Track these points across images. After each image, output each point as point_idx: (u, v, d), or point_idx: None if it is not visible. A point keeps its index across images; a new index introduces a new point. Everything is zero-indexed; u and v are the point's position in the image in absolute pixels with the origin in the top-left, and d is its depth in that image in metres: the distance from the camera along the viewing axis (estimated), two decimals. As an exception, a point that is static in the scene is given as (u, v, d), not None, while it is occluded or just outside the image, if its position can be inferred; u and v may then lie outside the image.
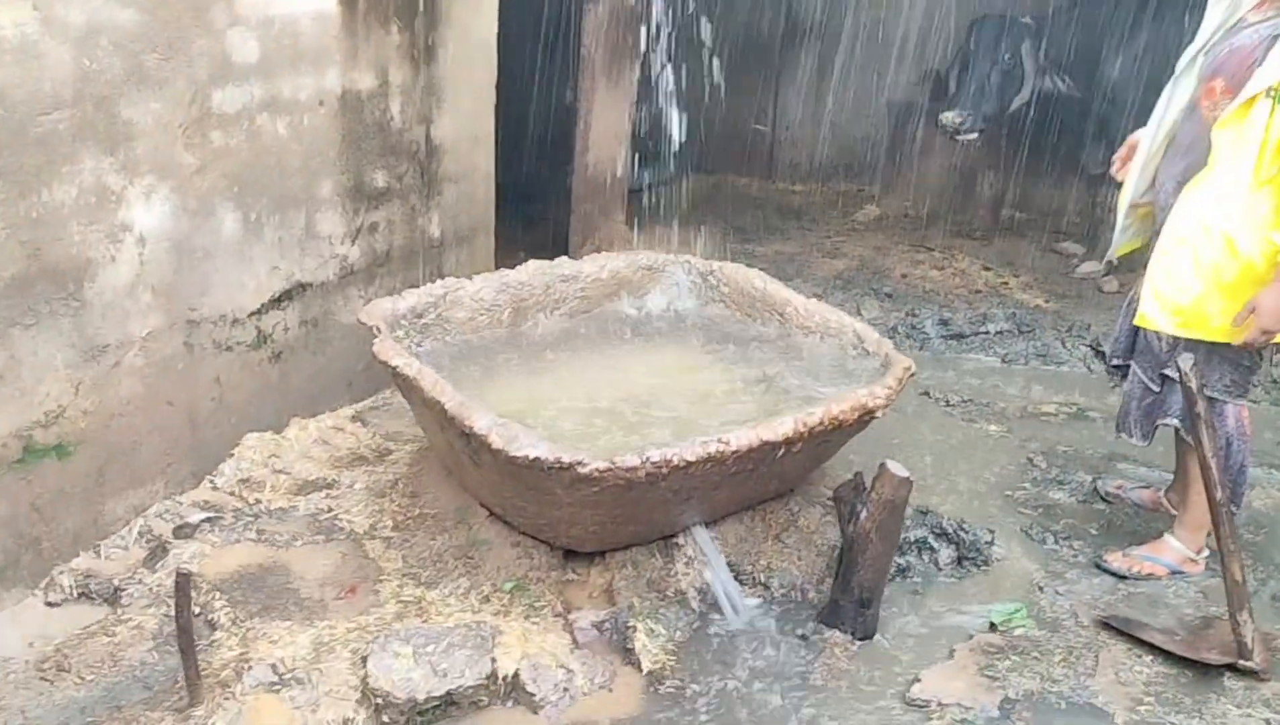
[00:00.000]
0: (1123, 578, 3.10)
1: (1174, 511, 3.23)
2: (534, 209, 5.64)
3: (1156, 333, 2.97)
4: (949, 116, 5.65)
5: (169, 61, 2.84)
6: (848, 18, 7.13)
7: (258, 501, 3.20)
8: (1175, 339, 2.92)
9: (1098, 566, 3.16)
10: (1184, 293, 2.84)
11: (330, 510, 3.18)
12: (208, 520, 3.07)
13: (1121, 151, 3.23)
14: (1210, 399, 2.81)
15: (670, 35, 5.19)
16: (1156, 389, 3.05)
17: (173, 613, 2.72)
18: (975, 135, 5.75)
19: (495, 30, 3.97)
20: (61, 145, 2.64)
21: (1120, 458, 3.80)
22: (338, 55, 3.35)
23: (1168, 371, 2.97)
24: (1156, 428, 3.11)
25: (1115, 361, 3.29)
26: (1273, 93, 2.63)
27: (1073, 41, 5.64)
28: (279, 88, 3.18)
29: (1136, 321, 2.99)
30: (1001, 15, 5.90)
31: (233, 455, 3.31)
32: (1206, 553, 3.11)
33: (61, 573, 2.86)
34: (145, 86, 2.80)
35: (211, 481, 3.25)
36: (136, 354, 2.95)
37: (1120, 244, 3.29)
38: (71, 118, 2.64)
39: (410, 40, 3.59)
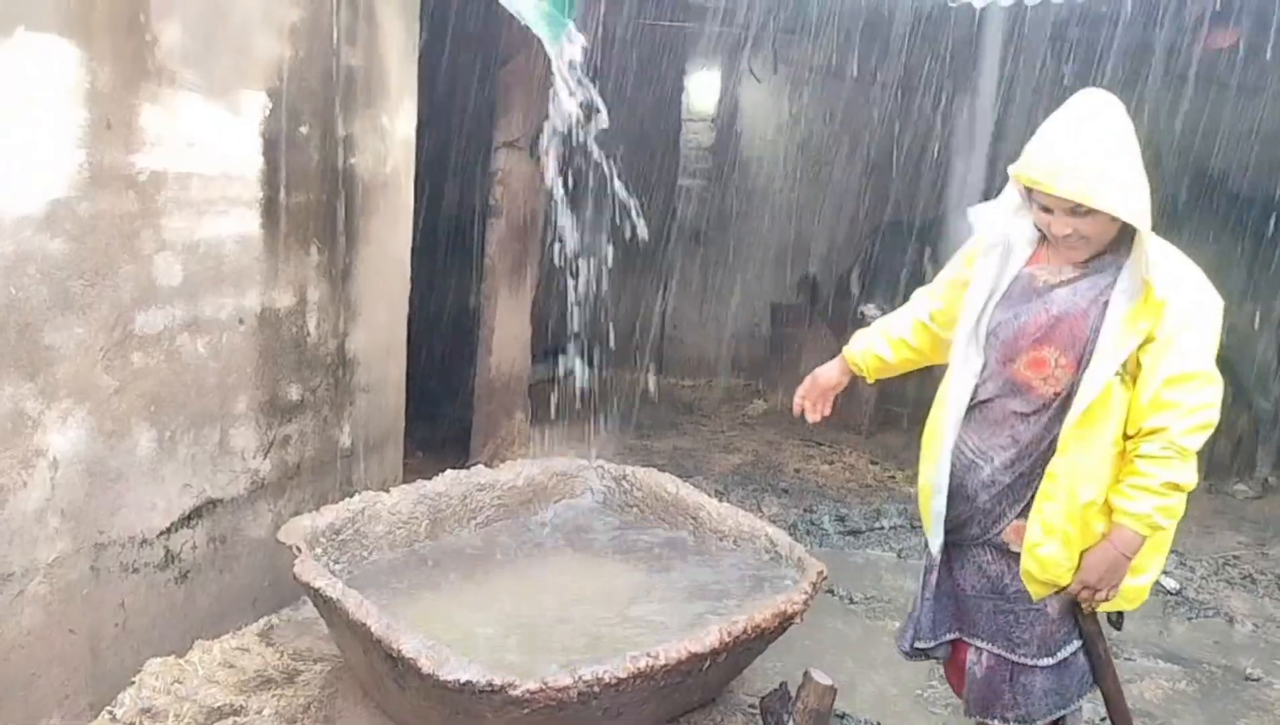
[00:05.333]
0: None
1: None
2: (435, 408, 5.70)
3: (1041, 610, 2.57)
4: (871, 309, 5.98)
5: (94, 287, 2.87)
6: (732, 226, 7.61)
7: (160, 733, 3.05)
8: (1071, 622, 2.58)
9: None
10: (1061, 573, 2.49)
11: (239, 740, 3.05)
12: (107, 757, 2.91)
13: (806, 388, 2.92)
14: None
15: (566, 243, 5.46)
16: (1050, 662, 2.59)
17: None
18: None
19: (409, 247, 4.12)
20: (-19, 372, 2.61)
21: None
22: (259, 276, 3.42)
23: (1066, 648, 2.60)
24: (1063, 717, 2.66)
25: (921, 644, 2.77)
26: (1120, 373, 2.38)
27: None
28: (201, 308, 3.22)
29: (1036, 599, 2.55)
30: (902, 221, 6.42)
31: (134, 683, 3.15)
32: None
33: (-56, 826, 2.65)
34: (69, 312, 2.81)
35: (111, 712, 3.08)
36: (41, 582, 2.84)
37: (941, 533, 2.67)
38: (-7, 345, 2.63)
39: (329, 259, 3.70)
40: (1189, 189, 5.83)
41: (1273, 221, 5.75)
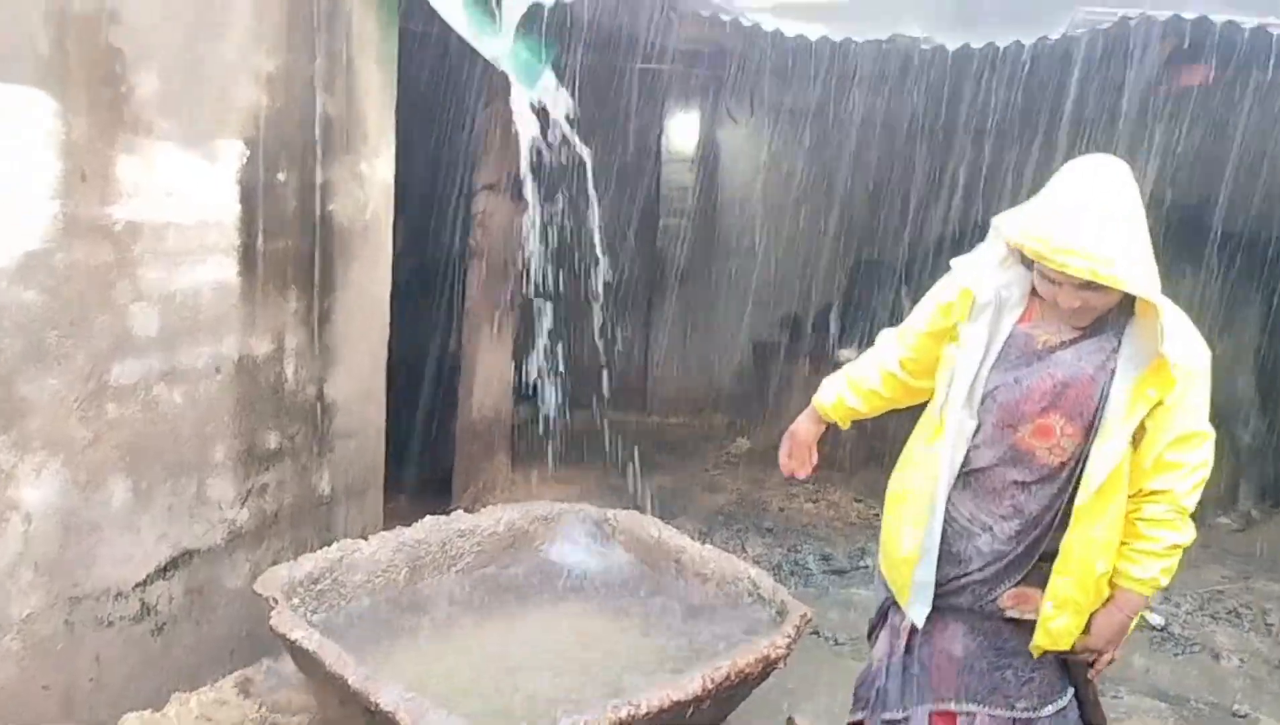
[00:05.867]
0: None
1: None
2: (418, 451, 5.68)
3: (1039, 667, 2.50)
4: (847, 354, 5.99)
5: (69, 338, 2.86)
6: (714, 264, 7.65)
7: (135, 791, 2.99)
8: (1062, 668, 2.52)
9: None
10: (1069, 640, 2.44)
11: (215, 796, 3.00)
12: (80, 817, 2.86)
13: (788, 447, 2.84)
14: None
15: (547, 280, 5.47)
16: (1052, 710, 2.50)
17: None
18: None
19: (389, 292, 4.11)
20: (-48, 426, 2.59)
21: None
22: (236, 323, 3.41)
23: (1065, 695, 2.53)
24: None
25: (889, 716, 2.62)
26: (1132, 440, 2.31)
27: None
28: (177, 357, 3.20)
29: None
30: (883, 261, 6.46)
31: (108, 739, 3.11)
32: None
33: None
34: (44, 363, 2.79)
35: (84, 771, 3.04)
36: (14, 638, 2.81)
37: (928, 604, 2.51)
38: (-35, 398, 2.61)
39: (307, 305, 3.69)
40: (1163, 224, 5.87)
41: (1245, 255, 5.81)
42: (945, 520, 2.47)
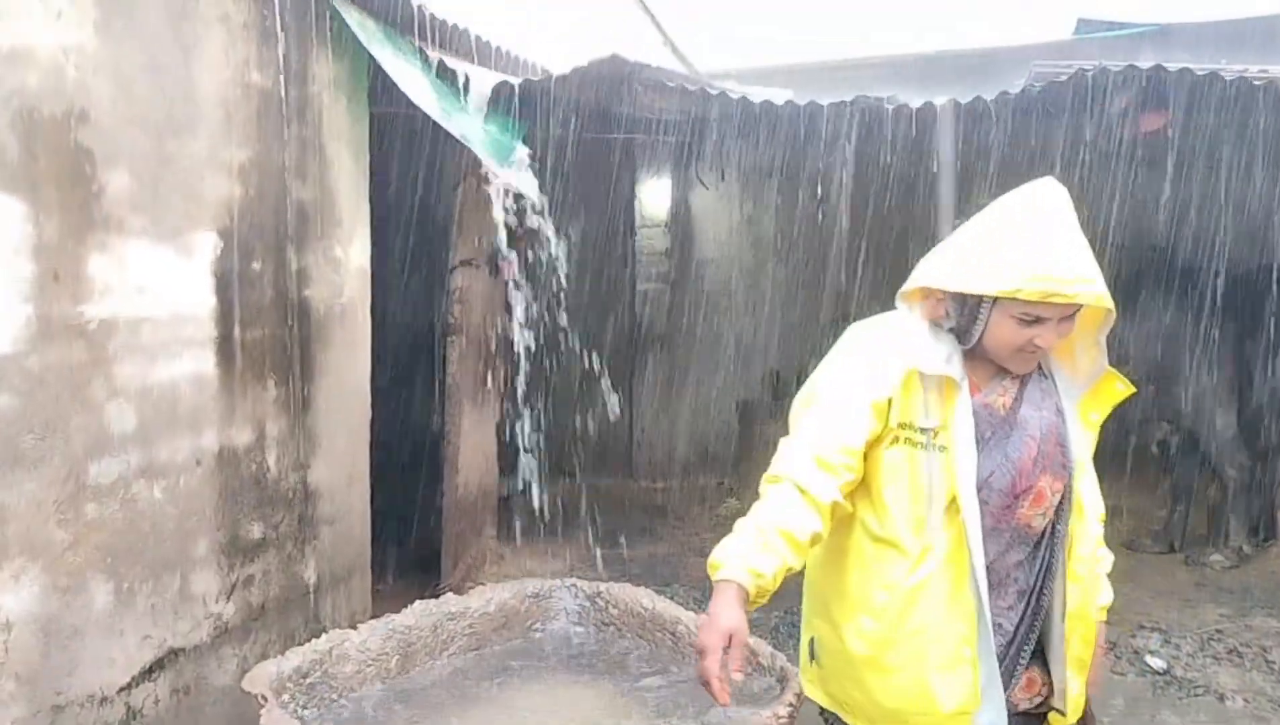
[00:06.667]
0: None
1: None
2: (404, 530, 5.62)
3: None
4: None
5: (45, 441, 2.81)
6: (693, 326, 7.67)
7: None
8: None
9: None
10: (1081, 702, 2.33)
11: None
12: None
13: (725, 650, 1.99)
14: None
15: (529, 355, 5.47)
16: None
17: None
18: None
19: (368, 374, 4.10)
20: (-73, 538, 2.54)
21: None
22: (215, 415, 3.38)
23: None
24: None
25: None
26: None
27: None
28: (156, 452, 3.16)
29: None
30: (857, 315, 6.52)
31: None
32: None
33: None
34: (19, 468, 2.75)
35: None
36: (-6, 752, 2.73)
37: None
38: (-60, 509, 2.56)
39: (287, 393, 3.67)
40: (1140, 265, 5.94)
41: (1221, 293, 5.87)
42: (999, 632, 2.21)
